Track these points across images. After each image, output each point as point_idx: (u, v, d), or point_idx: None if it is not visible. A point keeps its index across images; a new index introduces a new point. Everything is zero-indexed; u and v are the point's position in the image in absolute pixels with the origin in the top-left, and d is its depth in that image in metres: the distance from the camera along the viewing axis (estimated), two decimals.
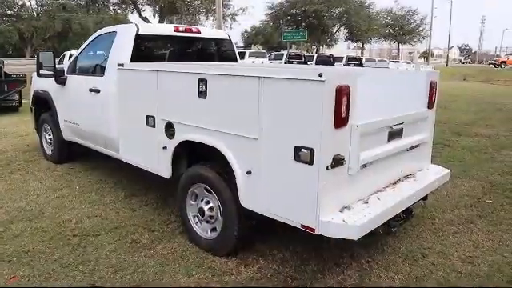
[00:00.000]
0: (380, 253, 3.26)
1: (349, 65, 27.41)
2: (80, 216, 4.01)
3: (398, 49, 56.85)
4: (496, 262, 3.17)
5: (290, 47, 41.09)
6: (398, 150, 3.06)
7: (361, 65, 28.31)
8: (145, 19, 24.70)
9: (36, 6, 44.11)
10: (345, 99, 2.34)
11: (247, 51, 24.97)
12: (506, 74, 35.80)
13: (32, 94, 5.96)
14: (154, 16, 28.75)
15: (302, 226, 2.49)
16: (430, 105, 3.47)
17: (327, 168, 2.36)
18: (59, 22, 45.44)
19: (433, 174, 3.45)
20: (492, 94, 19.12)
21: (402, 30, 51.45)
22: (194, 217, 3.39)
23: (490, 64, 52.27)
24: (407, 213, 3.08)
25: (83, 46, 4.91)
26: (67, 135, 5.31)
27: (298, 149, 2.42)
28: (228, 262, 3.12)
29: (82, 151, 5.53)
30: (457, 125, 9.72)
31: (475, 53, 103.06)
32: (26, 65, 23.19)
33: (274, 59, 24.69)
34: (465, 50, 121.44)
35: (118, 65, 3.92)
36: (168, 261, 3.18)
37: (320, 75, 2.24)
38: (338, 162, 2.41)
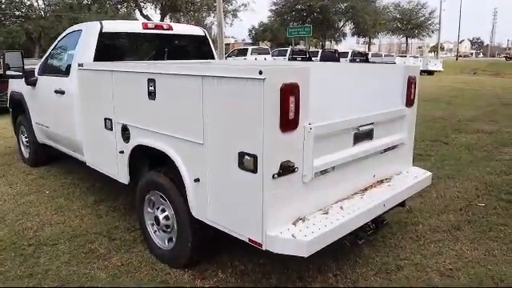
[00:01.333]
0: (351, 265, 2.99)
1: (354, 60, 26.98)
2: (42, 223, 3.81)
3: (407, 43, 55.85)
4: (478, 275, 2.87)
5: (298, 43, 40.73)
6: (368, 153, 2.78)
7: (367, 60, 27.83)
8: (146, 17, 24.55)
9: (43, 6, 44.36)
10: (292, 99, 2.07)
11: (250, 48, 24.66)
12: None
13: (9, 95, 5.79)
14: (161, 14, 28.52)
15: (250, 240, 2.24)
16: (409, 102, 3.18)
17: (273, 176, 2.10)
18: (66, 21, 45.74)
19: (411, 178, 3.16)
20: (501, 88, 18.59)
21: (410, 24, 50.47)
22: (152, 225, 3.16)
23: (503, 57, 51.14)
24: (378, 222, 2.80)
25: (53, 45, 4.70)
26: (40, 138, 5.12)
27: (241, 155, 2.17)
28: (184, 275, 2.89)
29: (60, 154, 5.34)
30: (459, 121, 9.36)
31: (487, 46, 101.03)
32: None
33: (278, 55, 24.35)
34: (476, 44, 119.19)
35: (78, 65, 3.71)
36: (121, 273, 2.95)
37: (260, 73, 1.98)
38: (287, 169, 2.15)
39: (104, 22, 4.03)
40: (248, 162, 2.13)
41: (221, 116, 2.27)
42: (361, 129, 2.66)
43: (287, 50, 24.67)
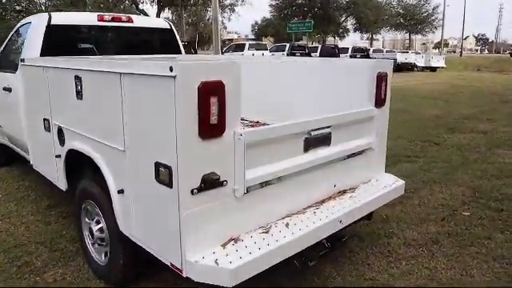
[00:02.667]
0: (307, 284, 2.65)
1: (355, 56, 26.52)
2: None
3: (410, 39, 55.04)
4: None
5: (301, 39, 40.17)
6: (325, 160, 2.43)
7: (367, 56, 27.36)
8: (142, 11, 24.21)
9: (44, 1, 44.06)
10: (214, 100, 1.73)
11: (247, 43, 24.22)
12: None
13: None
14: (158, 8, 28.03)
15: (172, 265, 1.91)
16: (378, 102, 2.82)
17: (193, 192, 1.76)
18: None
19: (380, 188, 2.81)
20: (502, 86, 18.12)
21: (414, 19, 49.66)
22: (89, 237, 2.84)
23: (508, 54, 50.39)
24: (334, 240, 2.45)
25: (6, 40, 4.38)
26: None
27: (157, 166, 1.83)
28: None
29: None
30: (454, 119, 8.98)
31: (492, 42, 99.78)
32: None
33: (276, 51, 23.92)
34: (481, 40, 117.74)
35: (21, 60, 3.38)
36: None
37: (170, 69, 1.64)
38: (211, 183, 1.81)
39: (53, 14, 3.70)
40: (164, 175, 1.80)
41: (138, 120, 1.94)
42: (313, 133, 2.31)
43: (286, 46, 24.24)
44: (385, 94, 2.86)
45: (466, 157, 5.78)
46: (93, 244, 2.82)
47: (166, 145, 1.73)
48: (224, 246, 1.91)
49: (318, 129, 2.34)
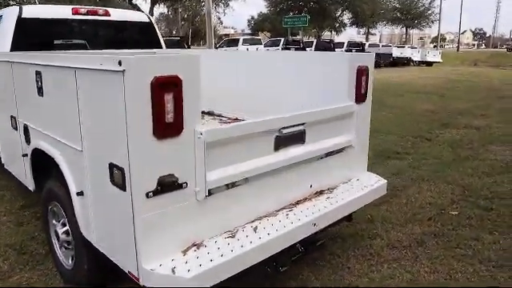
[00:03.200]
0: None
1: (350, 50, 26.34)
2: None
3: (406, 33, 54.74)
4: None
5: (297, 34, 39.85)
6: (298, 159, 2.30)
7: (363, 50, 27.18)
8: (135, 6, 23.93)
9: None
10: (170, 97, 1.59)
11: (241, 38, 24.00)
12: None
13: None
14: (151, 2, 27.68)
15: (129, 273, 1.78)
16: (359, 98, 2.69)
17: (148, 195, 1.63)
18: None
19: (360, 188, 2.69)
20: (499, 80, 18.01)
21: (410, 14, 49.40)
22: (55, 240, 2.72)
23: (505, 48, 50.30)
24: (308, 244, 2.33)
25: None
26: None
27: (111, 167, 1.70)
28: None
29: None
30: (448, 115, 8.86)
31: (489, 37, 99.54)
32: None
33: (271, 46, 23.71)
34: (479, 35, 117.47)
35: None
36: None
37: (119, 63, 1.50)
38: (169, 185, 1.68)
39: (24, 7, 3.55)
40: (117, 177, 1.67)
41: (92, 118, 1.81)
42: (284, 131, 2.18)
43: (281, 41, 24.03)
44: (366, 89, 2.73)
45: (458, 153, 5.67)
46: (60, 247, 2.69)
47: (118, 145, 1.61)
48: (185, 252, 1.79)
49: (290, 126, 2.21)
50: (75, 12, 3.78)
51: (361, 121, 2.75)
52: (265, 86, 3.21)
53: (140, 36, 4.37)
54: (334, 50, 25.54)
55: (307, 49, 24.41)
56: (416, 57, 29.05)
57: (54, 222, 2.71)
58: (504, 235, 3.29)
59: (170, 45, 18.75)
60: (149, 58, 1.56)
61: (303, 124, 2.30)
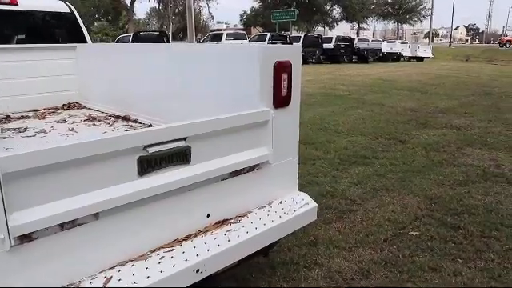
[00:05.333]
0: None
1: (339, 45, 25.79)
2: None
3: (398, 28, 54.12)
4: None
5: (288, 29, 39.14)
6: (179, 185, 1.72)
7: (352, 45, 26.65)
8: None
9: None
10: None
11: (224, 32, 23.29)
12: (511, 54, 33.94)
13: None
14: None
15: None
16: (279, 101, 2.11)
17: None
18: None
19: (280, 215, 2.11)
20: (488, 76, 17.54)
21: (402, 8, 48.74)
22: None
23: (498, 43, 49.96)
24: None
25: None
26: None
27: None
28: None
29: None
30: (429, 113, 8.32)
31: (483, 32, 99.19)
32: None
33: (258, 40, 23.04)
34: (472, 30, 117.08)
35: None
36: None
37: None
38: None
39: None
40: None
41: None
42: (152, 150, 1.60)
43: (267, 36, 23.40)
44: (289, 90, 2.14)
45: (431, 158, 5.11)
46: None
47: None
48: None
49: (161, 143, 1.63)
50: None
51: (282, 130, 2.17)
52: (182, 87, 2.63)
53: (58, 28, 3.75)
54: (323, 45, 25.00)
55: (294, 44, 23.80)
56: (406, 52, 28.56)
57: None
58: (468, 263, 2.74)
59: (149, 40, 18.10)
60: None
61: (184, 139, 1.71)
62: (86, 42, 3.91)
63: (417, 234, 3.16)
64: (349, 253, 2.87)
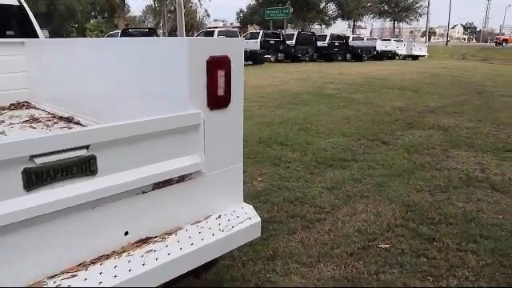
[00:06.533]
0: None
1: (333, 43, 25.55)
2: None
3: (394, 27, 53.79)
4: None
5: (286, 27, 38.83)
6: (81, 200, 1.45)
7: (347, 43, 26.40)
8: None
9: None
10: None
11: (216, 30, 22.96)
12: (506, 53, 33.81)
13: None
14: None
15: None
16: (215, 102, 1.84)
17: None
18: (43, 3, 44.13)
19: (214, 232, 1.84)
20: (483, 75, 17.32)
21: (398, 6, 48.42)
22: None
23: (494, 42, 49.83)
24: None
25: None
26: None
27: None
28: None
29: None
30: (418, 112, 8.08)
31: (480, 31, 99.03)
32: None
33: (250, 38, 22.72)
34: (469, 29, 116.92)
35: None
36: None
37: None
38: None
39: None
40: None
41: None
42: (40, 161, 1.33)
43: (259, 33, 23.11)
44: (227, 89, 1.87)
45: (414, 161, 4.85)
46: None
47: None
48: None
49: (55, 152, 1.36)
50: None
51: (220, 135, 1.90)
52: (116, 86, 2.36)
53: (5, 22, 3.46)
54: (316, 43, 24.74)
55: (288, 41, 23.55)
56: (402, 50, 28.34)
57: None
58: (440, 281, 2.49)
59: (139, 36, 17.81)
60: None
61: (87, 147, 1.44)
62: (36, 36, 3.63)
63: (387, 246, 2.90)
64: (308, 269, 2.60)
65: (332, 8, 42.49)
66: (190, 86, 1.75)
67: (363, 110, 8.14)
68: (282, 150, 5.10)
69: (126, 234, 1.67)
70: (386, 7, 48.52)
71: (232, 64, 1.86)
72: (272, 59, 22.45)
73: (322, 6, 41.15)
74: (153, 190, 1.71)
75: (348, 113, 7.84)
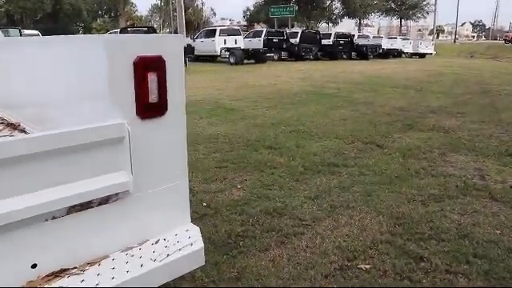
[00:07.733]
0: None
1: (338, 42, 25.18)
2: None
3: (401, 25, 53.06)
4: None
5: (292, 25, 38.50)
6: None
7: (352, 42, 26.00)
8: None
9: None
10: None
11: (218, 28, 22.62)
12: None
13: None
14: None
15: None
16: (145, 110, 1.56)
17: None
18: (49, 2, 44.34)
19: (139, 265, 1.57)
20: (490, 73, 16.86)
21: (405, 4, 47.67)
22: None
23: (503, 40, 48.98)
24: None
25: None
26: None
27: None
28: None
29: None
30: (419, 113, 7.75)
31: (489, 29, 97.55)
32: None
33: (253, 37, 22.42)
34: (478, 26, 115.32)
35: None
36: None
37: None
38: None
39: None
40: None
41: None
42: None
43: (263, 32, 22.81)
44: (162, 95, 1.60)
45: (408, 166, 4.53)
46: None
47: None
48: None
49: None
50: None
51: (154, 148, 1.62)
52: (50, 91, 2.09)
53: None
54: (321, 42, 24.38)
55: (291, 40, 23.22)
56: (408, 48, 27.87)
57: None
58: None
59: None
60: None
61: None
62: None
63: (367, 267, 2.60)
64: None
65: (337, 6, 42.02)
66: (110, 93, 1.48)
67: (361, 111, 7.83)
68: (269, 155, 4.81)
69: (34, 266, 1.41)
70: (393, 5, 47.84)
71: (167, 66, 1.59)
72: (275, 57, 22.15)
73: (326, 4, 40.65)
74: (68, 214, 1.44)
75: (345, 113, 7.53)
